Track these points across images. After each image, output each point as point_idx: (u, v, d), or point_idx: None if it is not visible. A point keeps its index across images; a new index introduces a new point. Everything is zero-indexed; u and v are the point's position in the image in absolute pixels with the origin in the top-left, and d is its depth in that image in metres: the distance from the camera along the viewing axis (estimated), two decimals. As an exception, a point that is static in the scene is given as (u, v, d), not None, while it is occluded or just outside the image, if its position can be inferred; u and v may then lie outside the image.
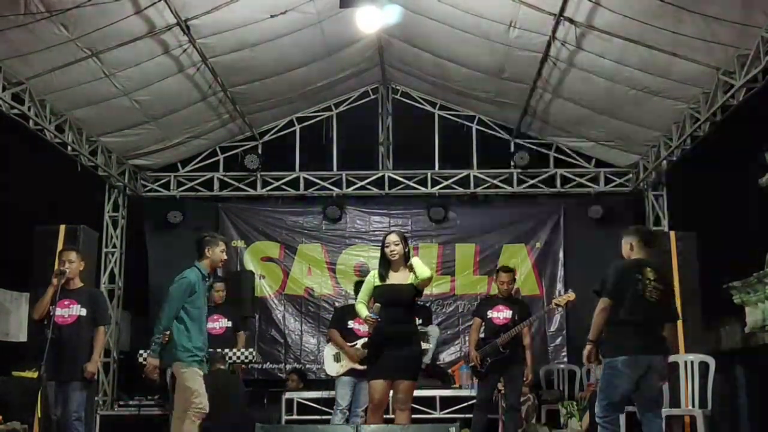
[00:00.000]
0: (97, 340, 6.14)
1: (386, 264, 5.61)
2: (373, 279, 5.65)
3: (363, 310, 5.65)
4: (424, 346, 7.46)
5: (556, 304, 7.39)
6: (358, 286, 6.54)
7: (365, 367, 6.21)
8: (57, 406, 5.90)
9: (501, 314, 7.21)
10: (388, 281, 5.58)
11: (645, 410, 5.33)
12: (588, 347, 5.35)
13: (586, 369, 9.12)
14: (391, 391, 5.55)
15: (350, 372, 7.12)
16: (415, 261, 5.60)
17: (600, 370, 7.84)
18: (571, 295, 7.09)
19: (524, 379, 7.18)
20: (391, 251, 5.56)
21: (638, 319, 5.23)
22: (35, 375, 5.88)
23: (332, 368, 7.38)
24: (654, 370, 5.32)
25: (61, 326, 5.93)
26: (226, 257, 5.96)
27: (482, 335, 7.32)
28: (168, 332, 5.58)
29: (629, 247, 5.46)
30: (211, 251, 5.78)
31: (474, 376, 7.51)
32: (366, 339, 6.71)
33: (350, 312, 6.88)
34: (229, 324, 7.93)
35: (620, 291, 5.25)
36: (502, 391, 7.41)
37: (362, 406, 7.05)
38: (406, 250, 5.60)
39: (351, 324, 7.20)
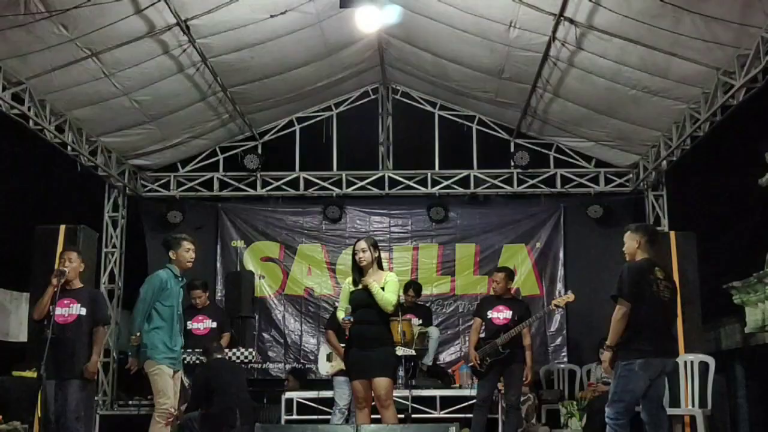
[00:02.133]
0: (97, 340, 6.17)
1: (358, 270, 5.78)
2: (348, 286, 5.86)
3: (341, 315, 5.81)
4: (409, 347, 7.57)
5: (555, 305, 7.39)
6: None
7: None
8: (56, 405, 5.91)
9: (501, 314, 7.23)
10: (361, 286, 5.74)
11: (652, 411, 5.30)
12: (608, 354, 5.28)
13: (587, 369, 9.13)
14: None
15: (340, 372, 7.15)
16: (389, 285, 5.67)
17: (600, 370, 7.85)
18: (570, 297, 7.09)
19: (524, 379, 7.19)
20: (359, 258, 5.75)
21: (655, 321, 5.20)
22: (35, 375, 5.89)
23: (324, 367, 7.63)
24: (665, 372, 5.32)
25: (61, 325, 5.94)
26: (193, 256, 5.98)
27: (482, 335, 7.34)
28: (139, 333, 5.69)
29: (636, 245, 5.38)
30: (175, 253, 5.90)
31: (474, 375, 7.52)
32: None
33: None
34: (214, 325, 7.95)
35: (638, 293, 5.18)
36: (502, 391, 7.41)
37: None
38: (376, 255, 5.79)
39: None
